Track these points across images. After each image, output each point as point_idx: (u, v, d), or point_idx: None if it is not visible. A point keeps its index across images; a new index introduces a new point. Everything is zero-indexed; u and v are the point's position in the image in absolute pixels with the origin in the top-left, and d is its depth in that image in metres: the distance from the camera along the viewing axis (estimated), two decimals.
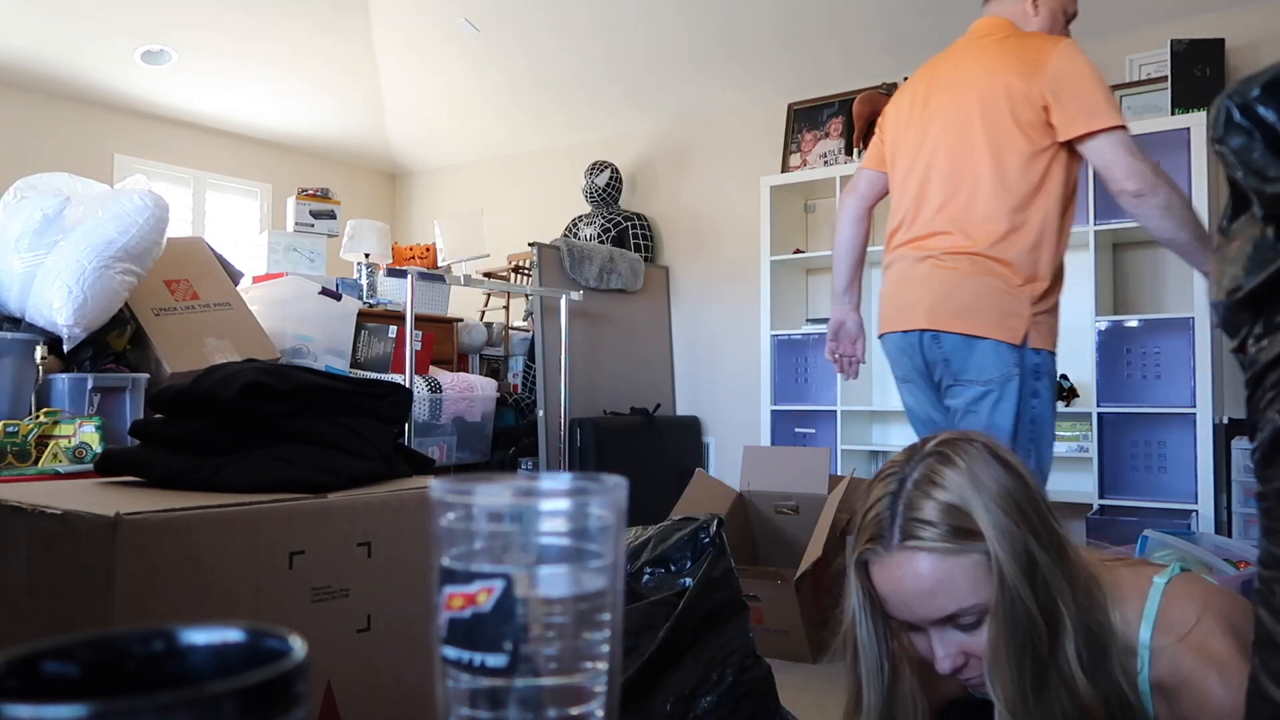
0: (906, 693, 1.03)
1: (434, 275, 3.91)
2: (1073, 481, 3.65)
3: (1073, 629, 0.94)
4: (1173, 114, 3.52)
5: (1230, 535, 3.11)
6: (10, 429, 2.08)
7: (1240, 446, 3.22)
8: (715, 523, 1.49)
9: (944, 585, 0.93)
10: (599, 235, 4.95)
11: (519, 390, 4.57)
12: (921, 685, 1.05)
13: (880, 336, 2.21)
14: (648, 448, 4.42)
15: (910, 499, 0.96)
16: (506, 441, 4.22)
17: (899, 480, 0.98)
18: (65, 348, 2.35)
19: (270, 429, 1.07)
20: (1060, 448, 3.64)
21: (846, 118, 4.48)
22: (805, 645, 2.78)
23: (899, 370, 2.15)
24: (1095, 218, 3.58)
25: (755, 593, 2.75)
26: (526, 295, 4.87)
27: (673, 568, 1.47)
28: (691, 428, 4.81)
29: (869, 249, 4.23)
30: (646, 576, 1.47)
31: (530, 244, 4.42)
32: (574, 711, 0.39)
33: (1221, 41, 3.52)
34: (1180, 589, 0.97)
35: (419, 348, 3.79)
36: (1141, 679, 0.95)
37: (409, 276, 3.45)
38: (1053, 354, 1.99)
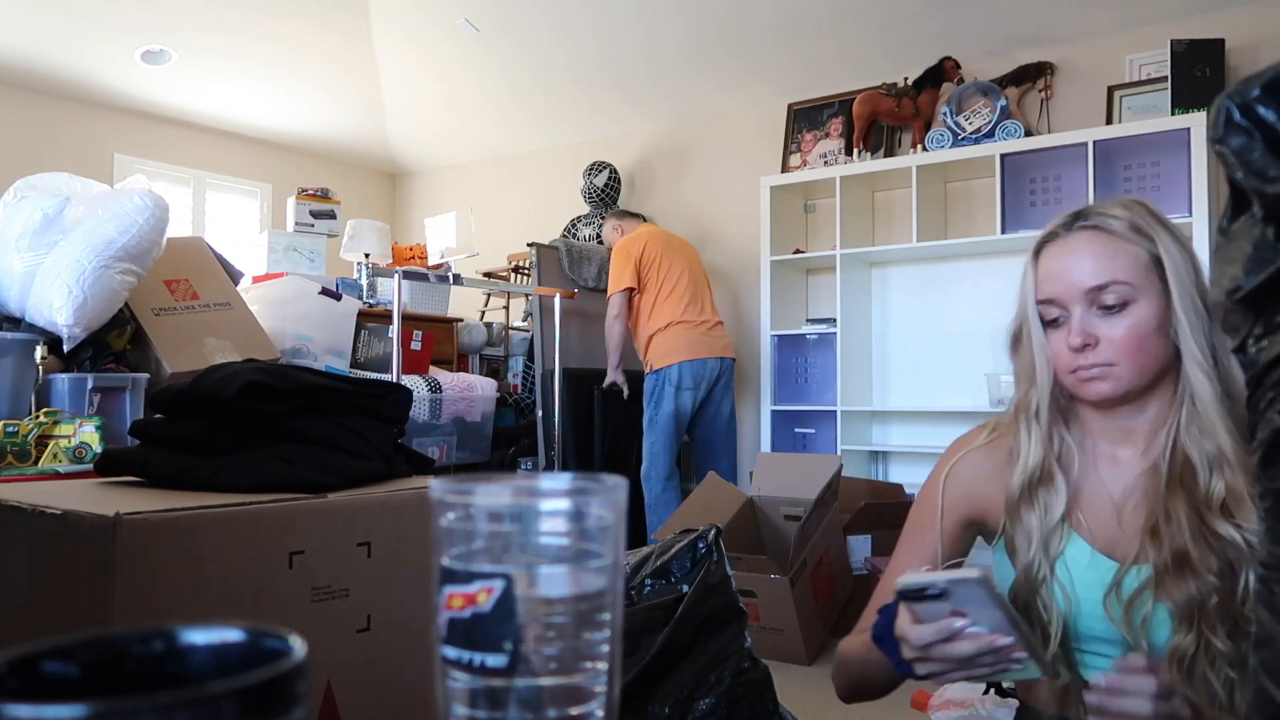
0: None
1: (419, 273, 3.91)
2: None
3: (1206, 357, 1.00)
4: (1173, 114, 3.52)
5: None
6: (10, 429, 2.08)
7: None
8: (713, 532, 1.50)
9: (1107, 256, 1.01)
10: (598, 235, 4.95)
11: (519, 390, 4.57)
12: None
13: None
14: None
15: (1098, 207, 1.05)
16: (506, 441, 4.22)
17: (1081, 206, 1.07)
18: (65, 348, 2.35)
19: (270, 429, 1.07)
20: None
21: (846, 118, 4.48)
22: (801, 645, 2.78)
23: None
24: None
25: (751, 589, 2.75)
26: (526, 295, 4.87)
27: (673, 578, 1.48)
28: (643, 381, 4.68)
29: (884, 248, 4.25)
30: (648, 588, 1.47)
31: (529, 244, 4.42)
32: (574, 711, 0.39)
33: (1221, 41, 3.52)
34: None
35: (418, 347, 3.79)
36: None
37: (396, 276, 3.44)
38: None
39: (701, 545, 1.49)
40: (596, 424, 4.15)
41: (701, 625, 1.41)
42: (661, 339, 3.89)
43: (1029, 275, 1.08)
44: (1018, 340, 1.10)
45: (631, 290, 3.97)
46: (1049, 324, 1.06)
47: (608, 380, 4.05)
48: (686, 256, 4.09)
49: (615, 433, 4.27)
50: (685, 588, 1.44)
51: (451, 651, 0.39)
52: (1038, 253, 1.08)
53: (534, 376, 4.38)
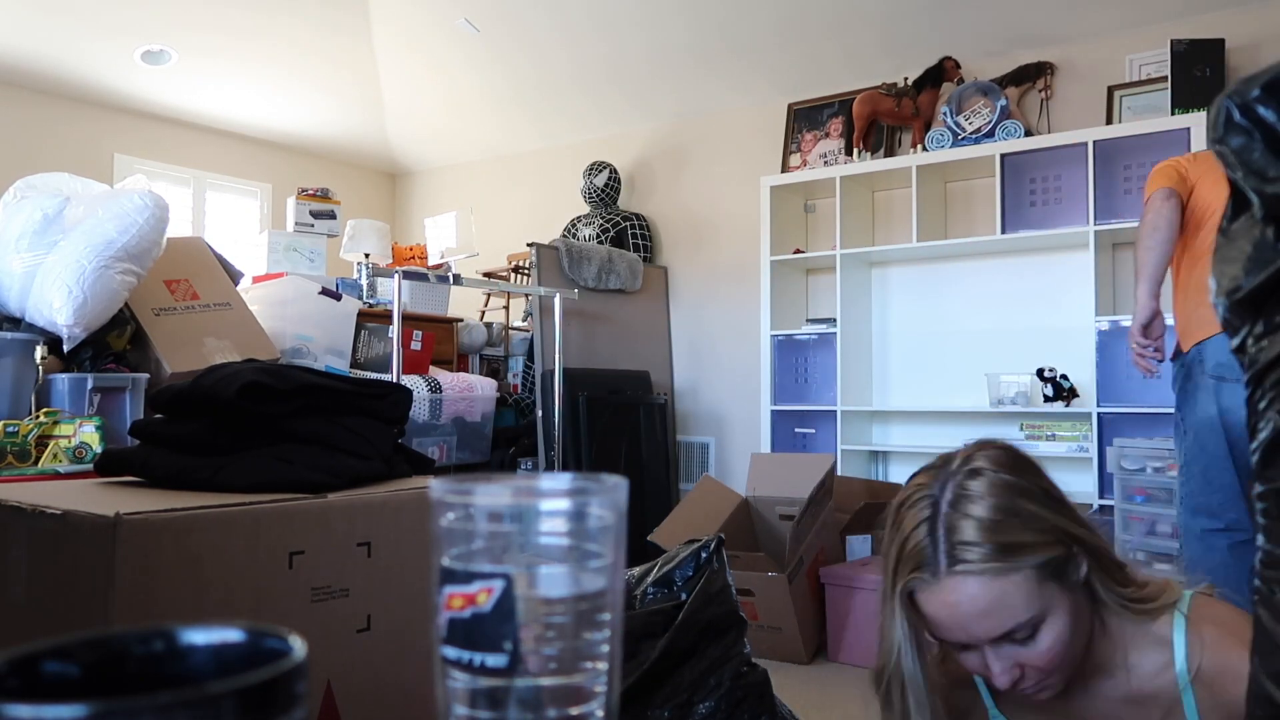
0: None
1: (419, 273, 3.91)
2: (1073, 482, 3.65)
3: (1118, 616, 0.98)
4: (1173, 114, 3.52)
5: None
6: (10, 429, 2.08)
7: None
8: (715, 542, 1.52)
9: (999, 605, 0.93)
10: (598, 235, 4.95)
11: (519, 390, 4.57)
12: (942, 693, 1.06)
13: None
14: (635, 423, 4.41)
15: (949, 522, 0.95)
16: (506, 441, 4.22)
17: (931, 504, 0.97)
18: (65, 348, 2.35)
19: (270, 429, 1.07)
20: (1060, 447, 3.65)
21: (846, 118, 4.48)
22: (799, 643, 2.78)
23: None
24: (1095, 218, 3.59)
25: (749, 588, 2.75)
26: (526, 295, 4.87)
27: (674, 586, 1.49)
28: (643, 381, 4.66)
29: (884, 248, 4.24)
30: (650, 596, 1.49)
31: (529, 244, 4.42)
32: (574, 711, 0.39)
33: (1221, 41, 3.52)
34: (1201, 610, 1.01)
35: (418, 347, 3.79)
36: (1179, 673, 0.98)
37: (396, 276, 3.44)
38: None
39: (704, 554, 1.51)
40: (583, 428, 4.13)
41: (702, 632, 1.42)
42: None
43: (903, 619, 0.99)
44: (890, 680, 1.03)
45: (1175, 194, 2.38)
46: (956, 645, 0.99)
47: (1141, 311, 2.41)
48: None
49: (602, 436, 4.25)
50: (686, 595, 1.45)
51: (451, 651, 0.39)
52: (908, 595, 0.98)
53: (534, 376, 4.38)
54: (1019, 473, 0.98)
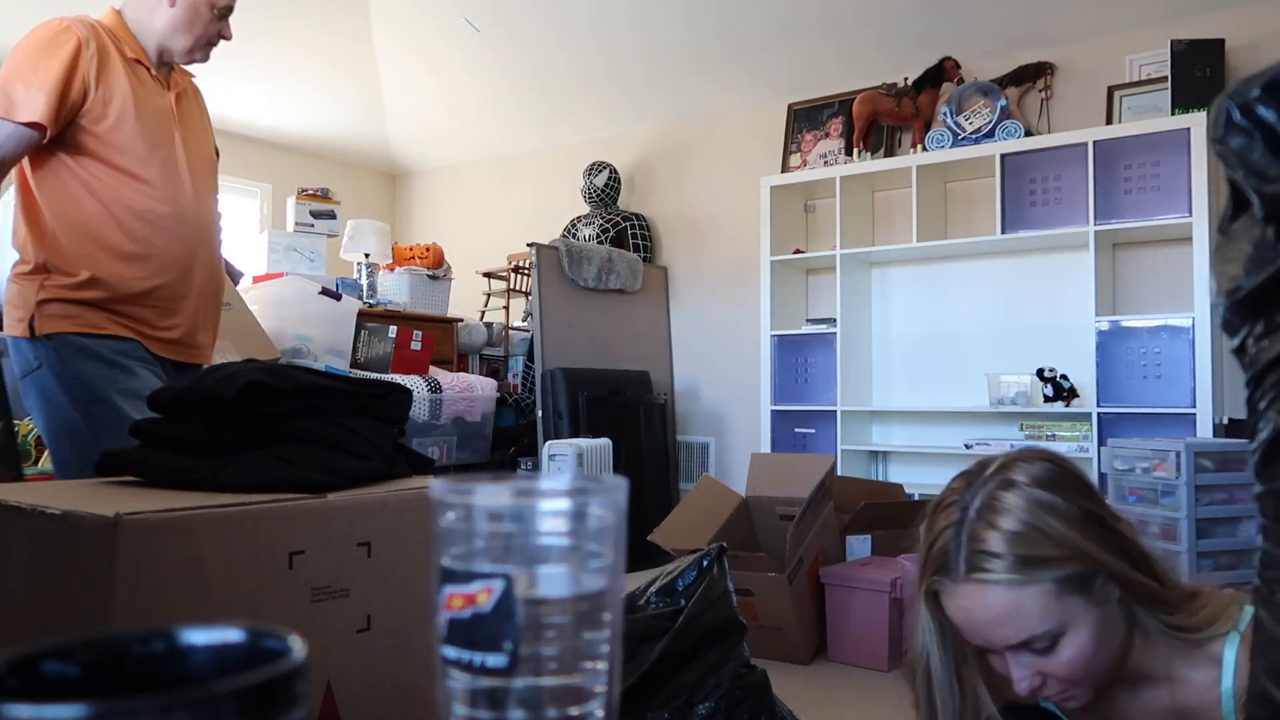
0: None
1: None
2: None
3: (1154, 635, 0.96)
4: (1173, 114, 3.52)
5: None
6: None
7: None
8: (717, 549, 1.53)
9: (1014, 615, 0.93)
10: (598, 235, 4.95)
11: (519, 390, 4.57)
12: (988, 687, 1.05)
13: None
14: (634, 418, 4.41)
15: (973, 530, 0.96)
16: (506, 441, 4.22)
17: (961, 509, 0.98)
18: None
19: (270, 429, 1.07)
20: (1060, 448, 3.64)
21: (846, 118, 4.49)
22: (800, 643, 2.78)
23: None
24: (1095, 218, 3.59)
25: (749, 588, 2.75)
26: (526, 295, 4.87)
27: (676, 593, 1.51)
28: (643, 381, 4.63)
29: (884, 248, 4.24)
30: (653, 603, 1.50)
31: (529, 244, 4.42)
32: (574, 711, 0.39)
33: (1221, 41, 3.52)
34: None
35: (418, 347, 3.79)
36: (1225, 691, 0.96)
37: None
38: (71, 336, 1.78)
39: (705, 561, 1.52)
40: (583, 428, 4.12)
41: (702, 636, 1.42)
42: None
43: (929, 617, 1.01)
44: (917, 674, 1.03)
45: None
46: (980, 648, 1.00)
47: None
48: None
49: (602, 436, 4.25)
50: (686, 602, 1.47)
51: (451, 651, 0.39)
52: (933, 595, 1.00)
53: (534, 376, 4.38)
54: (1057, 490, 0.97)
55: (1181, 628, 0.97)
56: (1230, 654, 0.96)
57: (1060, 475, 0.99)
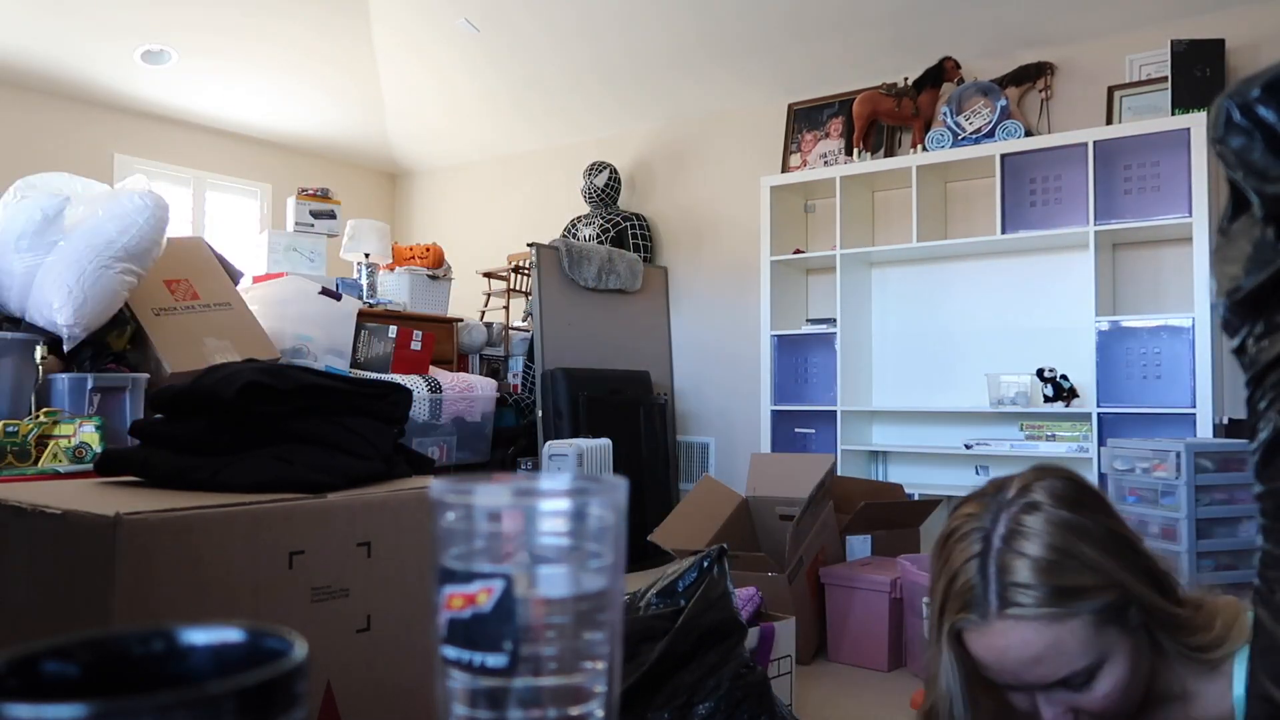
0: None
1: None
2: None
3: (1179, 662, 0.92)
4: (1173, 114, 3.52)
5: None
6: (10, 429, 2.08)
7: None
8: (718, 551, 1.53)
9: (1054, 652, 0.87)
10: (598, 235, 4.95)
11: (519, 390, 4.57)
12: None
13: None
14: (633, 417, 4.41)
15: (1002, 560, 0.88)
16: (506, 441, 4.22)
17: (983, 538, 0.90)
18: (65, 348, 2.35)
19: (270, 429, 1.07)
20: (1060, 448, 3.64)
21: (847, 118, 4.48)
22: (799, 643, 2.78)
23: None
24: (1095, 218, 3.59)
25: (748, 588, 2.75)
26: (526, 295, 4.87)
27: (676, 594, 1.51)
28: (643, 381, 4.63)
29: (884, 248, 4.25)
30: (654, 605, 1.50)
31: (529, 244, 4.42)
32: (574, 711, 0.39)
33: (1221, 41, 3.52)
34: None
35: (418, 347, 3.79)
36: (1236, 699, 0.93)
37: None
38: None
39: (705, 562, 1.53)
40: (583, 428, 4.12)
41: (701, 637, 1.42)
42: None
43: (951, 658, 0.92)
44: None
45: None
46: (1006, 686, 0.92)
47: None
48: None
49: (602, 436, 4.25)
50: (686, 602, 1.47)
51: (451, 651, 0.39)
52: (956, 634, 0.91)
53: (534, 376, 4.38)
54: (1081, 510, 0.91)
55: (1200, 648, 0.93)
56: (1239, 664, 0.93)
57: (1080, 492, 0.93)
